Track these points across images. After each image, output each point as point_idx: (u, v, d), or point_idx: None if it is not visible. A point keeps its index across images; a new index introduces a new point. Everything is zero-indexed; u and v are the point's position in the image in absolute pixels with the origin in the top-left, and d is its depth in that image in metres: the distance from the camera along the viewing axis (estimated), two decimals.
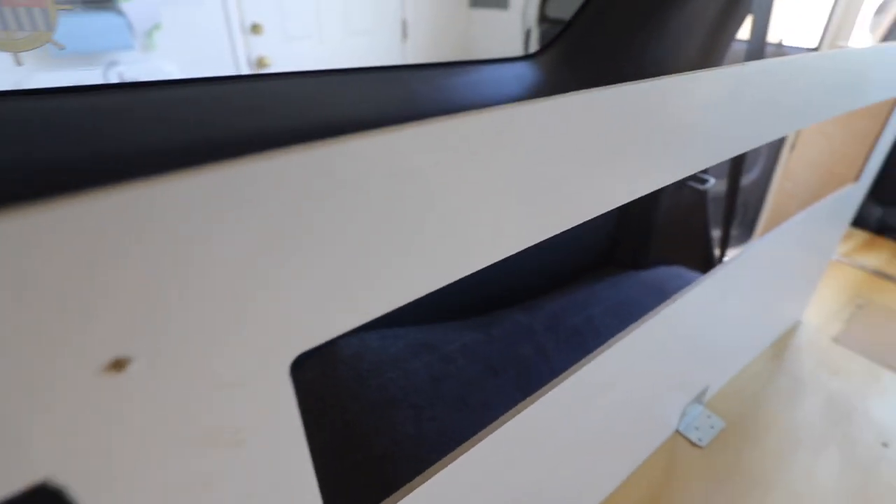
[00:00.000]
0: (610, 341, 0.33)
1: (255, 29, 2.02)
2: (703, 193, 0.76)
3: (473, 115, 0.16)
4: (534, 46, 1.59)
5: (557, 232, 0.21)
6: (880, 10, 1.20)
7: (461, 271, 0.18)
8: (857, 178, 0.74)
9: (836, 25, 1.16)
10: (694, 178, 0.73)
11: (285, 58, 2.37)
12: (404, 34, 2.95)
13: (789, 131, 0.37)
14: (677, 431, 0.63)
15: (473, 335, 0.55)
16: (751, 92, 0.27)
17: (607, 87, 0.18)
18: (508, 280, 0.65)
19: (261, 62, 2.10)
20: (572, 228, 0.21)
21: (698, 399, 0.63)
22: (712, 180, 0.75)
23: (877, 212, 1.12)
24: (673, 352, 0.46)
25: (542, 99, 0.17)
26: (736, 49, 0.71)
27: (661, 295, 0.70)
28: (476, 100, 0.51)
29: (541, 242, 0.20)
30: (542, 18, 1.77)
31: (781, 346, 0.80)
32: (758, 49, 0.62)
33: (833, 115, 0.47)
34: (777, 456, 0.60)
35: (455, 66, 0.53)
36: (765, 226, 0.92)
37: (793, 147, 0.82)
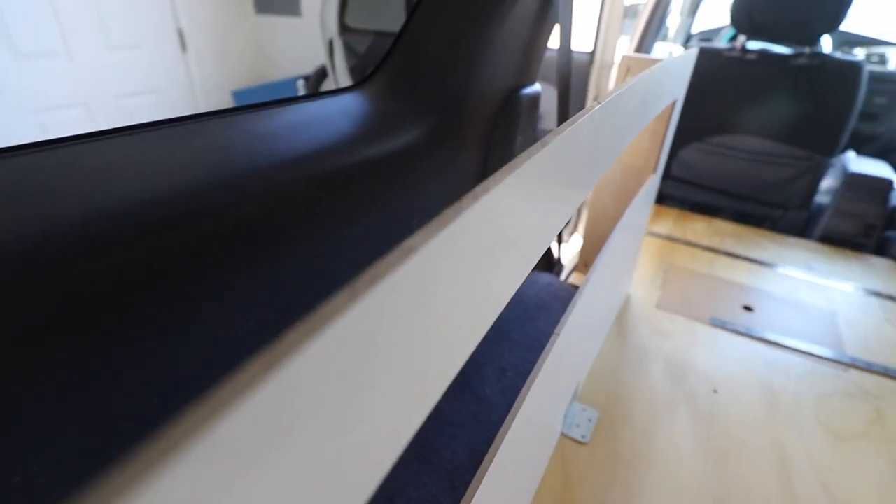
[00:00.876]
0: (529, 380, 0.31)
1: None
2: None
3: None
4: (340, 59, 1.51)
5: None
6: (632, 14, 1.45)
7: None
8: (654, 169, 0.86)
9: (604, 31, 1.36)
10: None
11: (18, 81, 1.86)
12: (183, 46, 2.58)
13: (619, 154, 0.40)
14: (562, 434, 0.64)
15: None
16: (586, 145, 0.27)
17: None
18: None
19: None
20: None
21: (574, 397, 0.66)
22: None
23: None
24: (565, 369, 0.46)
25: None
26: (547, 56, 0.75)
27: (539, 309, 0.72)
28: (308, 147, 0.43)
29: None
30: (344, 28, 1.71)
31: (622, 321, 0.90)
32: (566, 56, 0.67)
33: (642, 128, 0.52)
34: (645, 430, 0.66)
35: (273, 107, 0.45)
36: (588, 214, 1.02)
37: None
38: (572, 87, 0.78)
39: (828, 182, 1.48)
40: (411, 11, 0.54)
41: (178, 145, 0.35)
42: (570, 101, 0.83)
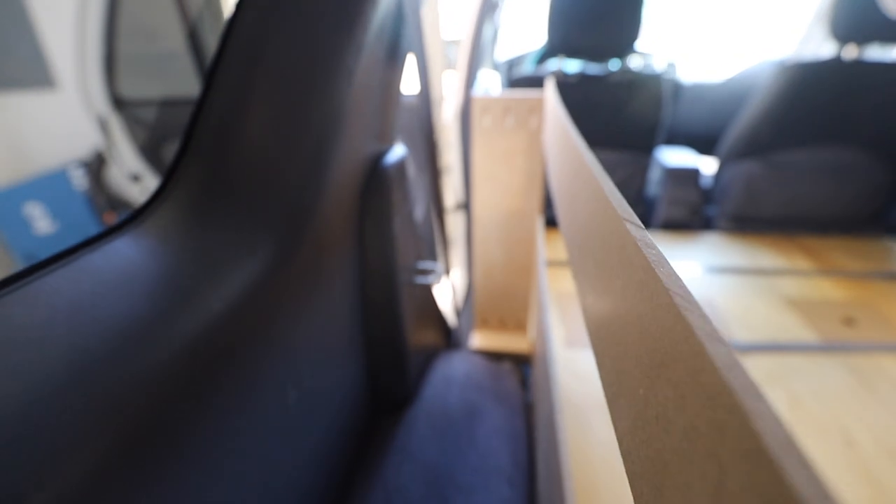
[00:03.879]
0: None
1: None
2: (430, 286, 0.69)
3: None
4: (123, 144, 1.17)
5: None
6: (453, 44, 1.42)
7: None
8: (540, 210, 0.77)
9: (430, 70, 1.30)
10: (422, 273, 0.62)
11: None
12: None
13: None
14: None
15: None
16: None
17: None
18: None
19: None
20: None
21: None
22: (436, 270, 0.66)
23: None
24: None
25: None
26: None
27: (473, 416, 0.57)
28: (77, 367, 0.22)
29: None
30: (119, 102, 1.36)
31: None
32: (426, 98, 0.57)
33: None
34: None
35: (32, 277, 0.24)
36: (476, 269, 0.92)
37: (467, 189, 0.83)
38: (412, 133, 0.67)
39: (653, 175, 1.65)
40: (206, 81, 0.35)
41: None
42: (437, 154, 0.71)
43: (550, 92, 0.71)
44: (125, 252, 0.29)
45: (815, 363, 0.89)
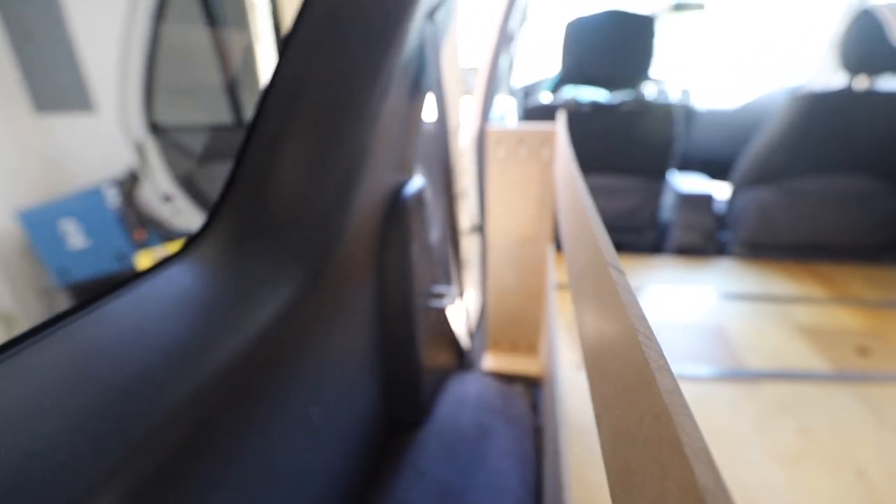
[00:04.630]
0: None
1: None
2: (444, 309, 0.72)
3: None
4: (159, 164, 1.25)
5: None
6: (470, 71, 1.47)
7: None
8: (550, 238, 0.80)
9: (447, 97, 1.35)
10: (437, 297, 0.65)
11: None
12: None
13: None
14: None
15: None
16: None
17: None
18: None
19: None
20: None
21: None
22: (450, 294, 0.70)
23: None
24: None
25: None
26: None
27: (483, 437, 0.59)
28: (138, 371, 0.26)
29: None
30: (154, 128, 1.45)
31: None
32: (443, 130, 0.61)
33: None
34: None
35: (91, 310, 0.29)
36: (490, 293, 0.95)
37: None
38: (433, 160, 0.71)
39: (666, 200, 1.67)
40: (249, 130, 0.40)
41: None
42: (453, 179, 0.75)
43: (561, 126, 0.75)
44: (179, 279, 0.34)
45: (827, 392, 0.89)
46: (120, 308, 0.31)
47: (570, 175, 0.43)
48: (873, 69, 1.29)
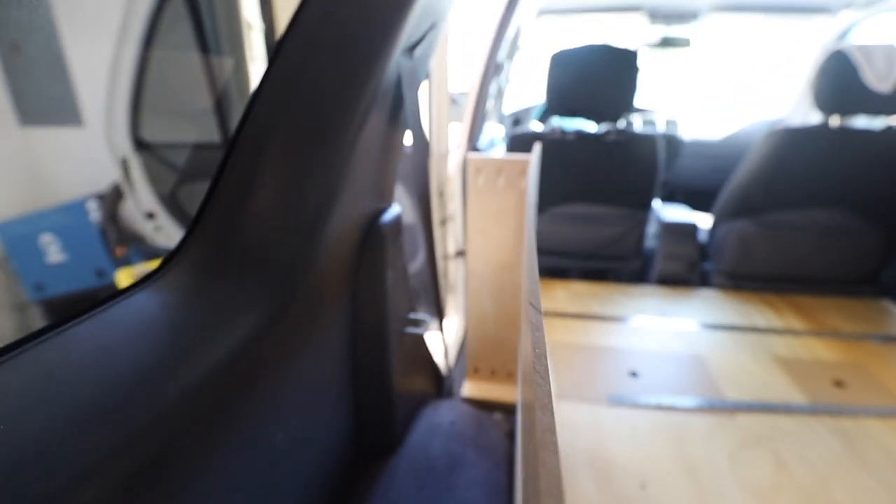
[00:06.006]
0: None
1: None
2: (422, 336, 0.72)
3: None
4: (141, 180, 1.25)
5: None
6: (456, 102, 1.51)
7: None
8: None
9: (436, 122, 1.37)
10: (413, 324, 0.66)
11: None
12: None
13: None
14: None
15: None
16: None
17: None
18: None
19: None
20: None
21: None
22: (429, 320, 0.70)
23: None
24: None
25: None
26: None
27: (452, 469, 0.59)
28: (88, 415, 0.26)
29: None
30: (139, 144, 1.45)
31: None
32: (422, 162, 0.63)
33: None
34: None
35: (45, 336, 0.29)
36: (469, 320, 0.95)
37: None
38: (416, 186, 0.72)
39: (650, 229, 1.70)
40: (225, 156, 0.40)
41: None
42: (440, 204, 0.76)
43: (535, 156, 0.76)
44: (146, 305, 0.34)
45: (802, 425, 0.90)
46: (84, 333, 0.31)
47: (523, 209, 0.44)
48: (846, 109, 1.34)
